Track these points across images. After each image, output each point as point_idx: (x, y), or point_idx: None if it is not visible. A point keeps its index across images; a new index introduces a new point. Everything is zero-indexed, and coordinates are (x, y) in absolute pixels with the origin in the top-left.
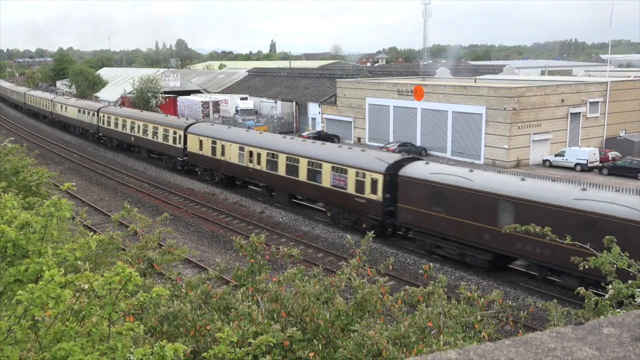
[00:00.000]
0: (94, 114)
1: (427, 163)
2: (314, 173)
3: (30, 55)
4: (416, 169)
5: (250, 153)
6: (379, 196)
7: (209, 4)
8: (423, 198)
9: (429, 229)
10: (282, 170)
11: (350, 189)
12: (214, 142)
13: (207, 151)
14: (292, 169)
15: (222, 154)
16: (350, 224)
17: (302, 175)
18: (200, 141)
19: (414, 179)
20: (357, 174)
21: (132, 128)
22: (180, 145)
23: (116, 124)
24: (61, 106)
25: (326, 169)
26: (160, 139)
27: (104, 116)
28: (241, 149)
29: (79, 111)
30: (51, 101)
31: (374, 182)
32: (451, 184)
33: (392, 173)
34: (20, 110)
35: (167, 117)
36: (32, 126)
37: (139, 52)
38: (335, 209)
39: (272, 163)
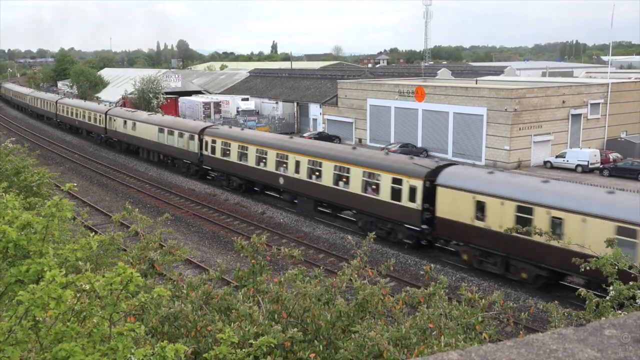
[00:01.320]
0: (191, 137)
1: None
2: None
3: (32, 56)
4: None
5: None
6: None
7: (211, 4)
8: None
9: None
10: None
11: None
12: (524, 210)
13: (495, 222)
14: None
15: (558, 233)
16: None
17: None
18: (479, 203)
19: None
20: None
21: (280, 164)
22: (415, 205)
23: (242, 156)
24: (125, 122)
25: None
26: (355, 189)
27: (213, 141)
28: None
29: (161, 131)
30: (105, 114)
31: None
32: None
33: None
34: (46, 122)
35: (358, 150)
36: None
37: (140, 52)
38: None
39: None
